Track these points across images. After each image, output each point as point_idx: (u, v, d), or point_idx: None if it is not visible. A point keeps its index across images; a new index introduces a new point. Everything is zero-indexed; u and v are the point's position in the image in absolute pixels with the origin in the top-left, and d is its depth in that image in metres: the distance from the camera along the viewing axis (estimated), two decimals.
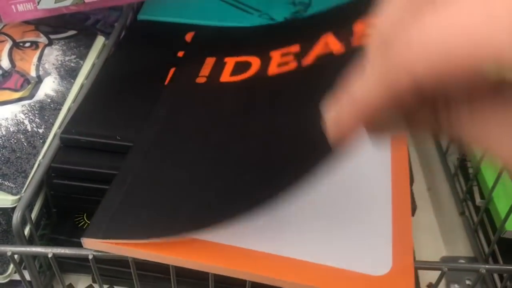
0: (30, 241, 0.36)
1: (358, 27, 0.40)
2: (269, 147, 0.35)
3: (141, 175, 0.34)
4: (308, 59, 0.41)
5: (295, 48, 0.43)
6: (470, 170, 0.48)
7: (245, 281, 0.32)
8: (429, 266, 0.33)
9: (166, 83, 0.43)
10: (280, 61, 0.42)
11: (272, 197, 0.30)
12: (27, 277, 0.37)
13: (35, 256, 0.38)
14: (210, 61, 0.45)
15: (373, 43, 0.20)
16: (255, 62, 0.44)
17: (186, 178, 0.34)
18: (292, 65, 0.41)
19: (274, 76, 0.41)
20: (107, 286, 0.41)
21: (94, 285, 0.41)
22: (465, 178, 0.49)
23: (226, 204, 0.32)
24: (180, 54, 0.46)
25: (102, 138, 0.37)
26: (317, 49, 0.41)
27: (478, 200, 0.45)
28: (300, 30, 0.47)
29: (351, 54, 0.38)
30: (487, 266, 0.32)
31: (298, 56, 0.42)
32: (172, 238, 0.30)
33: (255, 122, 0.38)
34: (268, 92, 0.40)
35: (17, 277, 0.37)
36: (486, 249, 0.43)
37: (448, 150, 0.53)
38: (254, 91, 0.41)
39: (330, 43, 0.41)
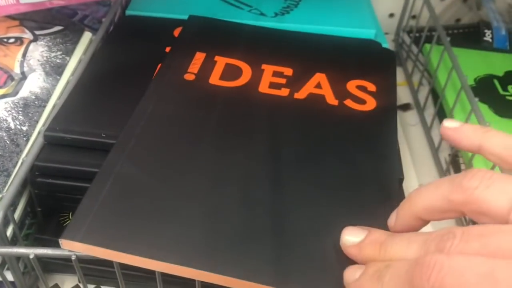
0: (14, 241, 0.36)
1: (350, 86, 0.42)
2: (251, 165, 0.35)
3: (122, 176, 0.33)
4: (300, 93, 0.42)
5: (288, 71, 0.44)
6: (462, 167, 0.47)
7: None
8: None
9: (153, 77, 0.42)
10: (272, 81, 0.43)
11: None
12: (10, 278, 0.36)
13: (19, 257, 0.37)
14: (199, 57, 0.44)
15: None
16: (246, 71, 0.43)
17: (168, 183, 0.33)
18: (284, 91, 0.42)
19: (265, 95, 0.41)
20: (93, 286, 0.40)
21: (80, 285, 0.40)
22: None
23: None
24: (168, 49, 0.46)
25: (87, 136, 0.37)
26: (310, 85, 0.42)
27: None
28: (295, 51, 0.47)
29: (342, 112, 0.39)
30: None
31: (291, 84, 0.42)
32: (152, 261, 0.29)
33: (243, 137, 0.37)
34: (259, 109, 0.40)
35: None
36: None
37: (440, 146, 0.52)
38: (244, 104, 0.40)
39: (322, 84, 0.43)
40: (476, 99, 0.44)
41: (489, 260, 0.22)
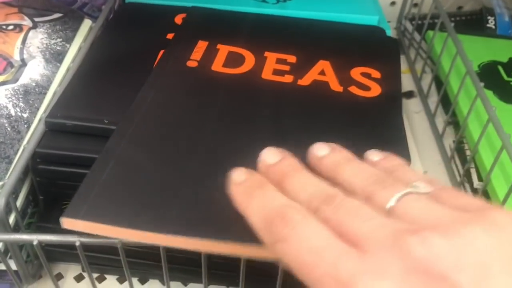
0: (16, 230, 0.35)
1: (355, 73, 0.42)
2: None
3: (124, 158, 0.33)
4: (304, 80, 0.41)
5: (292, 58, 0.43)
6: (468, 153, 0.47)
7: (239, 266, 0.31)
8: None
9: (155, 65, 0.42)
10: (275, 68, 0.42)
11: None
12: (14, 266, 0.36)
13: (22, 245, 0.37)
14: (202, 45, 0.44)
15: None
16: (249, 58, 0.43)
17: (170, 165, 0.33)
18: (288, 78, 0.41)
19: (268, 82, 0.41)
20: (97, 274, 0.40)
21: (84, 274, 0.40)
22: (461, 161, 0.48)
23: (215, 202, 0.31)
24: (170, 36, 0.45)
25: (89, 122, 0.36)
26: (313, 72, 0.42)
27: (476, 182, 0.45)
28: (297, 39, 0.46)
29: (346, 98, 0.38)
30: None
31: (295, 71, 0.42)
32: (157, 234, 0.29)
33: (246, 123, 0.37)
34: (262, 96, 0.39)
35: (2, 267, 0.36)
36: None
37: (444, 133, 0.52)
38: (247, 91, 0.40)
39: (326, 71, 0.42)
40: (482, 84, 0.44)
41: (330, 236, 0.22)
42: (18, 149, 0.36)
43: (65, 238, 0.31)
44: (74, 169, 0.36)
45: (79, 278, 0.40)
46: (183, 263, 0.37)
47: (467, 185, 0.47)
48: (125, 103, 0.38)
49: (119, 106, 0.37)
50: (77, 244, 0.30)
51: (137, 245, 0.30)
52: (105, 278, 0.40)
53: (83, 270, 0.40)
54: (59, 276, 0.39)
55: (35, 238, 0.30)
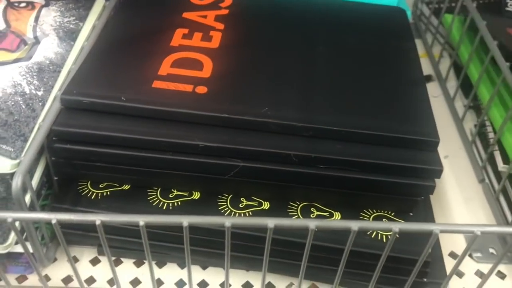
0: (31, 210, 0.34)
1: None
2: None
3: None
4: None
5: None
6: (491, 135, 0.46)
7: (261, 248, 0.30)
8: (459, 229, 0.31)
9: (171, 43, 0.40)
10: None
11: None
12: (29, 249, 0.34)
13: (36, 227, 0.36)
14: None
15: None
16: None
17: None
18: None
19: None
20: (113, 258, 0.39)
21: (100, 257, 0.39)
22: (483, 145, 0.47)
23: None
24: (185, 15, 0.44)
25: (105, 99, 0.35)
26: None
27: (500, 165, 0.43)
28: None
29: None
30: None
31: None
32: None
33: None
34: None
35: (18, 249, 0.35)
36: (509, 217, 0.42)
37: (464, 117, 0.51)
38: None
39: None
40: (507, 64, 0.42)
41: None
42: (33, 127, 0.35)
43: (85, 217, 0.29)
44: (90, 148, 0.35)
45: (94, 262, 0.39)
46: (204, 245, 0.36)
47: (489, 169, 0.46)
48: (141, 81, 0.37)
49: (135, 83, 0.36)
50: (98, 223, 0.29)
51: (159, 225, 0.29)
52: (121, 262, 0.39)
53: (99, 254, 0.39)
54: (74, 260, 0.38)
55: (54, 217, 0.29)
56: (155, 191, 0.37)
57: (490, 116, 0.46)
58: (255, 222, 0.30)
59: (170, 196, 0.37)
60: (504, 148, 0.43)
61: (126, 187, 0.38)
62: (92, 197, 0.37)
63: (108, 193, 0.37)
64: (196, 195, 0.37)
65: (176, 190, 0.38)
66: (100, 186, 0.38)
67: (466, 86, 0.52)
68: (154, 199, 0.37)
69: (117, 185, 0.38)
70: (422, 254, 0.31)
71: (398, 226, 0.29)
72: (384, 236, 0.35)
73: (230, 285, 0.37)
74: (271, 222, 0.29)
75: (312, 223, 0.29)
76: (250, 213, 0.36)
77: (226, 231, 0.29)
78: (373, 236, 0.36)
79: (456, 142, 0.50)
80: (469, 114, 0.52)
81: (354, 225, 0.29)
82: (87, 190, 0.37)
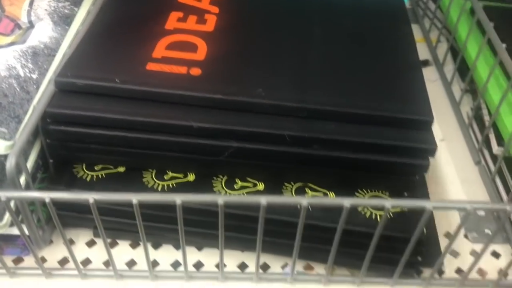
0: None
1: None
2: None
3: None
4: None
5: None
6: (487, 118, 0.46)
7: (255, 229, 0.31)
8: (452, 205, 0.31)
9: (165, 26, 0.40)
10: None
11: None
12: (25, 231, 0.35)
13: (32, 210, 0.36)
14: None
15: None
16: None
17: None
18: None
19: None
20: (109, 240, 0.39)
21: (95, 239, 0.39)
22: (480, 128, 0.47)
23: None
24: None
25: (99, 81, 0.35)
26: None
27: (495, 148, 0.43)
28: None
29: None
30: None
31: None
32: None
33: None
34: None
35: (14, 231, 0.35)
36: (505, 198, 0.42)
37: (461, 101, 0.51)
38: None
39: None
40: (504, 45, 0.42)
41: None
42: (27, 109, 0.35)
43: (78, 196, 0.30)
44: (85, 129, 0.35)
45: (90, 244, 0.39)
46: (198, 226, 0.36)
47: (486, 152, 0.46)
48: (135, 63, 0.37)
49: (129, 66, 0.36)
50: (91, 201, 0.29)
51: (152, 203, 0.29)
52: (117, 244, 0.39)
53: (95, 236, 0.39)
54: (70, 242, 0.39)
55: (47, 195, 0.29)
56: (149, 173, 0.38)
57: (486, 99, 0.46)
58: (248, 200, 0.30)
59: (165, 178, 0.37)
60: (499, 131, 0.43)
61: (121, 169, 0.38)
62: (88, 180, 0.37)
63: (103, 175, 0.37)
64: (191, 177, 0.38)
65: (171, 172, 0.38)
66: (96, 168, 0.38)
67: (464, 71, 0.52)
68: (149, 181, 0.37)
69: (112, 167, 0.38)
70: (415, 231, 0.31)
71: (390, 202, 0.30)
72: (378, 216, 0.35)
73: (225, 265, 0.37)
74: (263, 200, 0.29)
75: (304, 200, 0.29)
76: (245, 193, 0.37)
77: (220, 209, 0.30)
78: (367, 216, 0.36)
79: (453, 125, 0.50)
80: (466, 98, 0.52)
81: (346, 202, 0.29)
82: (82, 173, 0.37)
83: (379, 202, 0.30)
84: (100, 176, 0.37)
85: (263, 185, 0.37)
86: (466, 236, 0.40)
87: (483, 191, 0.44)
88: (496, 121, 0.43)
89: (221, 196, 0.29)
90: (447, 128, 0.49)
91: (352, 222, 0.34)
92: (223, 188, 0.37)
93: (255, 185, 0.37)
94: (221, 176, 0.38)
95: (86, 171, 0.37)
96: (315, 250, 0.36)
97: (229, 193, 0.36)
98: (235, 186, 0.37)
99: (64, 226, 0.39)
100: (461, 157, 0.47)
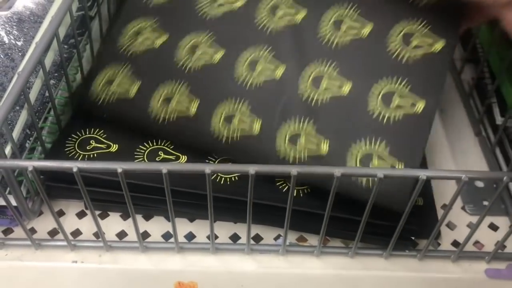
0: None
1: None
2: None
3: None
4: None
5: None
6: (489, 87, 0.44)
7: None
8: (446, 175, 0.30)
9: None
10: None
11: None
12: (14, 202, 0.34)
13: (21, 181, 0.35)
14: None
15: None
16: None
17: None
18: None
19: None
20: (100, 212, 0.38)
21: (86, 211, 0.38)
22: (480, 98, 0.46)
23: None
24: None
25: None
26: None
27: (498, 118, 0.42)
28: None
29: None
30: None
31: None
32: None
33: None
34: None
35: (3, 202, 0.35)
36: (504, 169, 0.41)
37: (463, 70, 0.49)
38: None
39: None
40: None
41: None
42: (12, 77, 0.34)
43: (61, 164, 0.29)
44: None
45: (80, 215, 0.38)
46: (189, 197, 0.35)
47: (486, 123, 0.44)
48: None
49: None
50: (75, 170, 0.28)
51: (138, 170, 0.29)
52: (108, 215, 0.38)
53: (86, 208, 0.39)
54: (60, 213, 0.38)
55: (30, 164, 0.29)
56: (142, 154, 0.37)
57: (491, 62, 0.44)
58: (237, 169, 0.29)
59: (156, 159, 0.37)
60: (504, 98, 0.41)
61: (113, 149, 0.37)
62: (79, 159, 0.36)
63: (95, 155, 0.37)
64: (183, 159, 0.37)
65: (163, 154, 0.37)
66: (87, 148, 0.37)
67: (466, 40, 0.50)
68: (141, 161, 0.36)
69: (104, 147, 0.37)
70: (410, 200, 0.30)
71: (383, 171, 0.29)
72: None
73: (217, 237, 0.37)
74: (252, 169, 0.29)
75: (294, 169, 0.28)
76: None
77: (207, 177, 0.29)
78: (363, 183, 0.34)
79: (453, 95, 0.49)
80: (468, 68, 0.50)
81: (337, 171, 0.28)
82: (74, 152, 0.37)
83: (371, 171, 0.29)
84: (91, 155, 0.37)
85: None
86: (463, 208, 0.39)
87: (482, 162, 0.43)
88: (501, 88, 0.41)
89: (208, 165, 0.28)
90: (447, 99, 0.48)
91: (346, 189, 0.33)
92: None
93: None
94: (215, 157, 0.37)
95: (78, 151, 0.37)
96: (308, 221, 0.35)
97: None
98: None
99: (54, 198, 0.39)
100: (461, 128, 0.46)
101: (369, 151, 0.35)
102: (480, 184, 0.40)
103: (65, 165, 0.29)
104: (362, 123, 0.35)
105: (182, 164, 0.29)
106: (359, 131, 0.35)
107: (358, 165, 0.34)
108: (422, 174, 0.28)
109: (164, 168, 0.28)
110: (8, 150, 0.33)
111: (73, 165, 0.28)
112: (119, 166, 0.28)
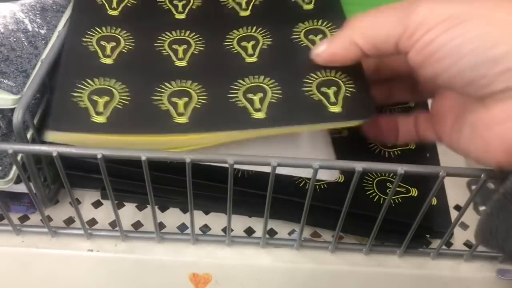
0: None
1: None
2: None
3: None
4: None
5: None
6: None
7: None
8: (466, 172, 0.30)
9: None
10: None
11: None
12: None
13: (39, 168, 0.36)
14: None
15: None
16: None
17: None
18: None
19: None
20: (116, 202, 0.38)
21: (102, 201, 0.39)
22: None
23: None
24: None
25: None
26: None
27: None
28: None
29: None
30: None
31: None
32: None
33: None
34: None
35: (20, 188, 0.35)
36: None
37: None
38: None
39: None
40: None
41: None
42: (35, 64, 0.34)
43: (86, 151, 0.29)
44: None
45: (96, 205, 0.39)
46: (206, 189, 0.36)
47: None
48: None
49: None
50: (99, 156, 0.29)
51: (161, 159, 0.29)
52: (124, 205, 0.39)
53: (102, 197, 0.39)
54: (77, 202, 0.38)
55: (55, 149, 0.29)
56: None
57: None
58: (259, 160, 0.30)
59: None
60: None
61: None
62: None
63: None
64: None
65: None
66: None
67: None
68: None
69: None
70: (428, 197, 0.31)
71: (404, 167, 0.29)
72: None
73: (232, 230, 0.37)
74: (274, 161, 0.29)
75: (315, 163, 0.29)
76: None
77: (229, 168, 0.29)
78: (375, 200, 0.35)
79: None
80: None
81: (358, 165, 0.29)
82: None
83: (392, 167, 0.29)
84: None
85: None
86: (475, 209, 0.40)
87: None
88: None
89: (230, 155, 0.29)
90: None
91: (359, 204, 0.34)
92: None
93: None
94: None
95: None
96: (324, 216, 0.36)
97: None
98: None
99: (71, 187, 0.39)
100: None
101: None
102: (492, 185, 0.41)
103: (90, 152, 0.29)
104: None
105: (206, 154, 0.29)
106: None
107: None
108: (442, 171, 0.29)
109: (188, 157, 0.29)
110: (29, 135, 0.33)
111: (98, 152, 0.29)
112: (143, 154, 0.29)
